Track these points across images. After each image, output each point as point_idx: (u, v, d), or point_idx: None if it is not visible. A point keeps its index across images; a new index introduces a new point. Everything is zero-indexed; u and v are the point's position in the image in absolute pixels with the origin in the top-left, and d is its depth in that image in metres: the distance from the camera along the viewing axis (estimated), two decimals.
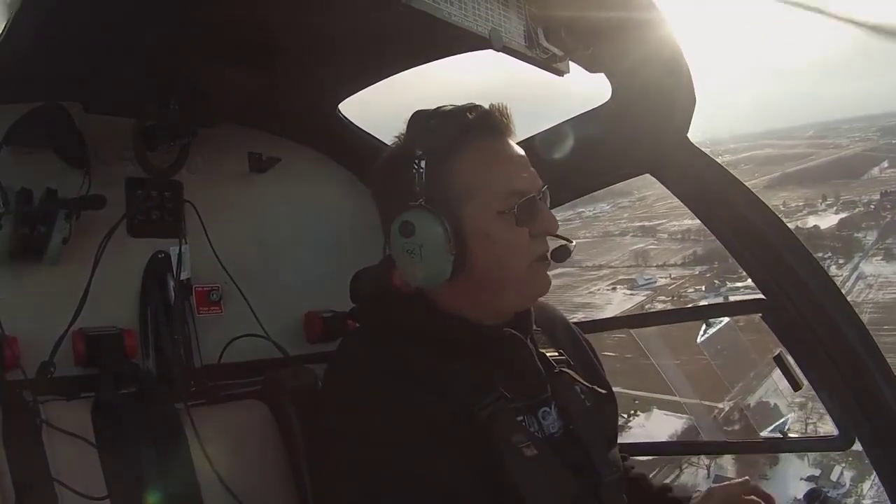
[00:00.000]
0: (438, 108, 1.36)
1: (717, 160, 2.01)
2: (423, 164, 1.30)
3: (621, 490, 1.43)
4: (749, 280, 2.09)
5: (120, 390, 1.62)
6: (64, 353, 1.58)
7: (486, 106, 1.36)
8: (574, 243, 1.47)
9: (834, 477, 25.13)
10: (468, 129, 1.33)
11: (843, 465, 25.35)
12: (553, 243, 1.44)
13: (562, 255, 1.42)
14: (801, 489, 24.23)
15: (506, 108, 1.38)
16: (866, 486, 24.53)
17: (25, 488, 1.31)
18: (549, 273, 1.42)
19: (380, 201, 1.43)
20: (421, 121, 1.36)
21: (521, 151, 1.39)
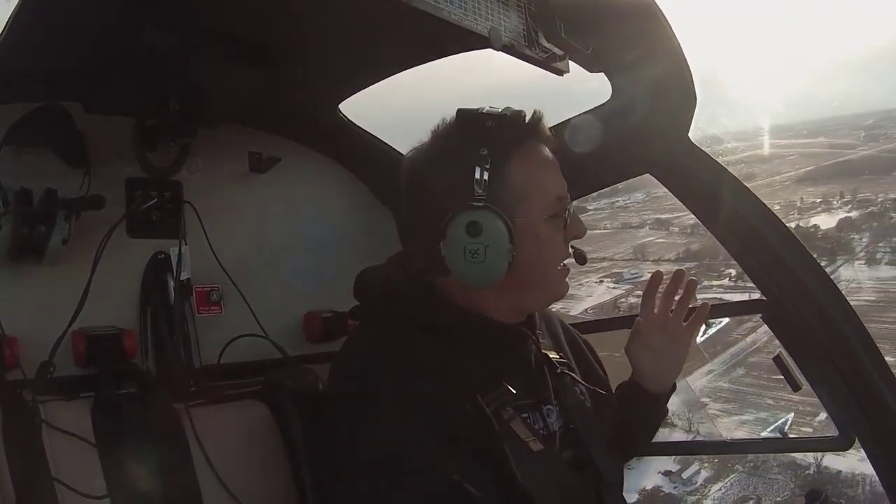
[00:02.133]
0: (483, 108, 1.35)
1: (717, 160, 2.01)
2: (487, 164, 1.30)
3: (622, 489, 1.44)
4: (724, 280, 2.10)
5: (120, 390, 1.61)
6: (64, 353, 1.57)
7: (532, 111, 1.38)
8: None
9: (686, 475, 24.81)
10: (524, 133, 1.36)
11: (706, 465, 25.14)
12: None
13: (582, 258, 1.48)
14: (655, 481, 24.42)
15: (544, 115, 1.40)
16: (715, 487, 24.11)
17: (25, 488, 1.31)
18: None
19: (426, 199, 1.39)
20: (475, 120, 1.34)
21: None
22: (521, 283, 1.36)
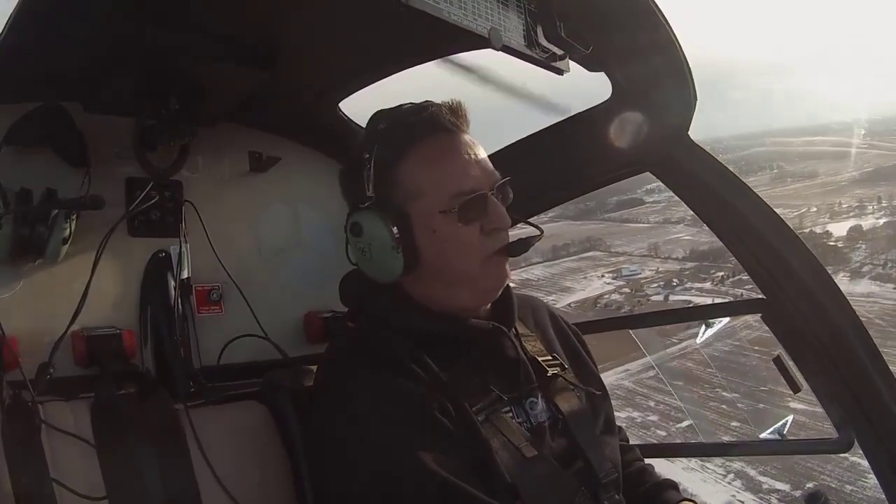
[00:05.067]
0: (394, 108, 1.41)
1: (718, 158, 2.01)
2: (371, 167, 1.36)
3: (619, 489, 1.43)
4: (706, 283, 2.11)
5: (119, 391, 1.61)
6: (63, 353, 1.57)
7: (443, 103, 1.41)
8: (542, 233, 1.53)
9: None
10: (415, 130, 1.38)
11: None
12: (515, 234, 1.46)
13: (518, 248, 1.43)
14: None
15: (459, 106, 1.43)
16: None
17: (25, 488, 1.31)
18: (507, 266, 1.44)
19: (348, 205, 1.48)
20: (374, 124, 1.42)
21: (472, 147, 1.42)
22: (440, 277, 1.39)
